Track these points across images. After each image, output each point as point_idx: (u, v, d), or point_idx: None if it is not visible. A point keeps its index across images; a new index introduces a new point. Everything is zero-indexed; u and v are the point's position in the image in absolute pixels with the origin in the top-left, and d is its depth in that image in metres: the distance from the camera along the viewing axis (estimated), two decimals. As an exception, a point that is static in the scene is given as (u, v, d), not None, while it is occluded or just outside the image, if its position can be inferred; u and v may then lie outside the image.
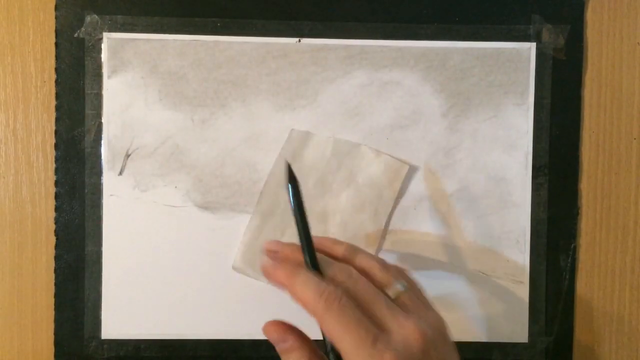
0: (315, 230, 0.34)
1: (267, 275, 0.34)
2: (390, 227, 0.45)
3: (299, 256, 0.34)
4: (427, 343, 0.30)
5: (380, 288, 0.33)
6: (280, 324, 0.34)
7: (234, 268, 0.44)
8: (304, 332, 0.34)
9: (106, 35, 0.44)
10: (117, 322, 0.44)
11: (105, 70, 0.44)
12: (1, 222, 0.44)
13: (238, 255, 0.44)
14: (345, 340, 0.30)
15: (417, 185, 0.45)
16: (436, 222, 0.45)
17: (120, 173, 0.44)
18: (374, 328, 0.31)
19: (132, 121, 0.44)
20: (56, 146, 0.44)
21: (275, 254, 0.36)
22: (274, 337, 0.34)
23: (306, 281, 0.32)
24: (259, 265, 0.44)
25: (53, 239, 0.44)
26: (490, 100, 0.45)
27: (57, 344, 0.44)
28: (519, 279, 0.45)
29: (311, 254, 0.34)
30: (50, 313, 0.44)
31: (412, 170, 0.45)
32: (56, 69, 0.44)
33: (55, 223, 0.44)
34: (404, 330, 0.31)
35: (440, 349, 0.31)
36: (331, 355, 0.32)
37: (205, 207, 0.44)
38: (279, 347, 0.34)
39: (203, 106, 0.44)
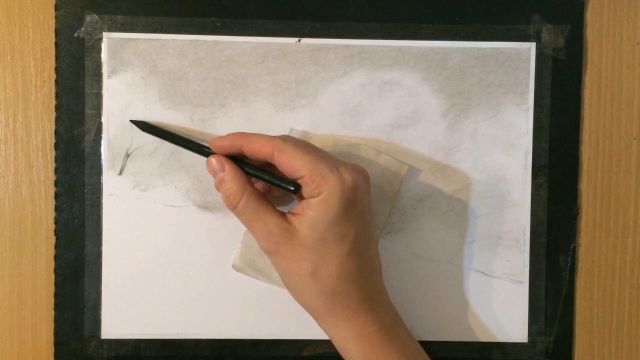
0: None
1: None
2: (390, 227, 0.45)
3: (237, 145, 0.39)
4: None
5: None
6: (221, 156, 0.39)
7: (234, 267, 0.44)
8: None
9: (106, 35, 0.44)
10: (116, 322, 0.44)
11: (105, 70, 0.44)
12: (1, 222, 0.44)
13: (238, 254, 0.44)
14: (253, 233, 0.38)
15: (417, 185, 0.45)
16: (436, 222, 0.45)
17: (120, 173, 0.44)
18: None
19: (132, 121, 0.44)
20: (56, 146, 0.44)
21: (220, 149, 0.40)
22: (213, 167, 0.39)
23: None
24: (259, 265, 0.44)
25: (53, 239, 0.44)
26: (490, 100, 0.45)
27: (57, 343, 0.44)
28: (519, 279, 0.45)
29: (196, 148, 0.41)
30: (50, 313, 0.44)
31: (412, 170, 0.45)
32: (56, 69, 0.44)
33: (55, 223, 0.44)
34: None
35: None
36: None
37: (205, 207, 0.44)
38: (217, 177, 0.39)
39: (203, 106, 0.44)
